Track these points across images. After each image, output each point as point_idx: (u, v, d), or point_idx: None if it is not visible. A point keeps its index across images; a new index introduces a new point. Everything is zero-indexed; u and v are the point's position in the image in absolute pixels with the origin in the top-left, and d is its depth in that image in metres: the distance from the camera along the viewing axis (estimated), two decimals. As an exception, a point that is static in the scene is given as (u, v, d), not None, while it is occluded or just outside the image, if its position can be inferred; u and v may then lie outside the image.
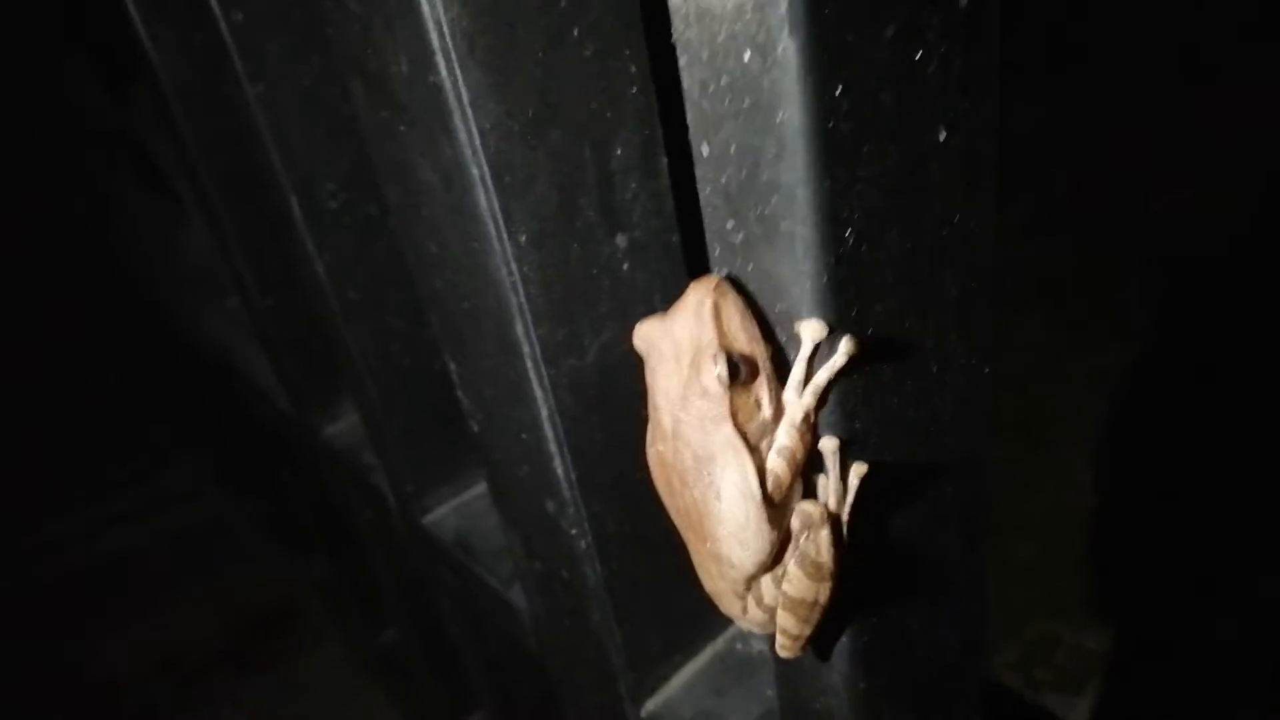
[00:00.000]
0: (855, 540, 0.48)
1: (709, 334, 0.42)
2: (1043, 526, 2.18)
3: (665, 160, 0.64)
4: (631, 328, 0.64)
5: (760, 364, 0.42)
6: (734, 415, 0.42)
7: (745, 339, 0.42)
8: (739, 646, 0.88)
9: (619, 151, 0.61)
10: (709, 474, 0.44)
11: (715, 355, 0.41)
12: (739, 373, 0.41)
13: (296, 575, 2.35)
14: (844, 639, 0.52)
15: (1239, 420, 2.22)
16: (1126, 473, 2.24)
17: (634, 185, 0.63)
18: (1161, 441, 2.25)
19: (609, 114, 0.60)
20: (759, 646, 0.88)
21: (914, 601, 0.55)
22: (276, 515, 2.30)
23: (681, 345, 0.43)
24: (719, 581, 0.48)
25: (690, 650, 0.87)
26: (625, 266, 0.65)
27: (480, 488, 1.13)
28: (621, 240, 0.64)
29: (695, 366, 0.42)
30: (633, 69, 0.60)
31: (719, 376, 0.41)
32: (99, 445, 3.03)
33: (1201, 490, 2.13)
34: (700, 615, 0.86)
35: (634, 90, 0.60)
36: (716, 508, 0.44)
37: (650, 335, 0.44)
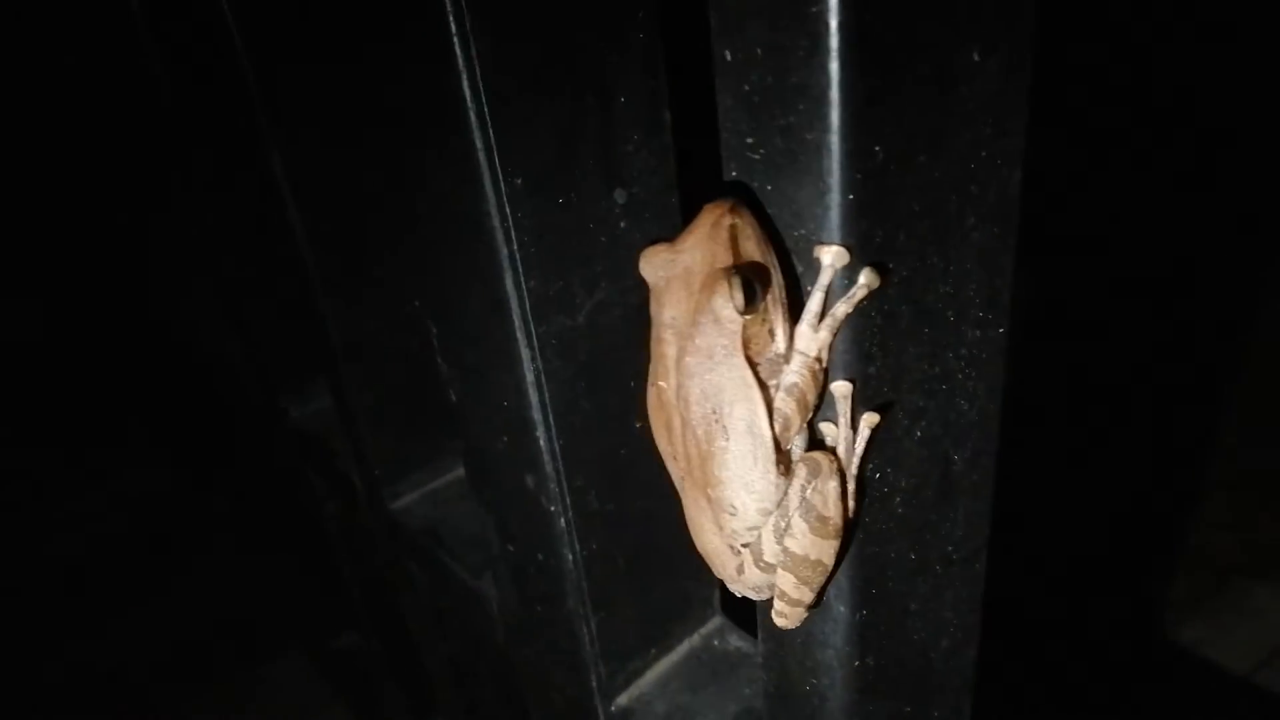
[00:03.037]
0: (861, 498, 0.45)
1: (725, 256, 0.39)
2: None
3: (669, 116, 0.62)
4: (626, 289, 0.62)
5: (776, 293, 0.39)
6: (745, 346, 0.39)
7: (762, 264, 0.39)
8: (716, 643, 0.85)
9: (623, 100, 0.59)
10: (715, 410, 0.41)
11: (732, 278, 0.38)
12: (755, 298, 0.38)
13: (261, 576, 2.27)
14: (841, 610, 0.49)
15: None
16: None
17: (636, 139, 0.61)
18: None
19: (614, 59, 0.57)
20: (737, 644, 0.84)
21: (915, 577, 0.52)
22: (241, 512, 2.23)
23: (694, 270, 0.40)
24: (715, 537, 0.45)
25: (666, 645, 0.83)
26: (622, 224, 0.63)
27: (453, 475, 1.08)
28: (620, 196, 0.62)
29: (708, 290, 0.39)
30: (640, 14, 0.58)
31: (734, 302, 0.38)
32: (60, 442, 2.93)
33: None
34: (679, 608, 0.83)
35: (641, 37, 0.58)
36: (721, 447, 0.41)
37: (659, 261, 0.41)
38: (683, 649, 0.84)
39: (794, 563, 0.43)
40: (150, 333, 2.13)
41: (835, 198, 0.37)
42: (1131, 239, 2.68)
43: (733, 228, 0.39)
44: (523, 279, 0.59)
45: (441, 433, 1.04)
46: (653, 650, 0.82)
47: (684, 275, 0.40)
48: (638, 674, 0.82)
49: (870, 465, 0.45)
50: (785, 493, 0.42)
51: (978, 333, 0.47)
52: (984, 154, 0.42)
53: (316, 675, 2.12)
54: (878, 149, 0.37)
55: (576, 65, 0.56)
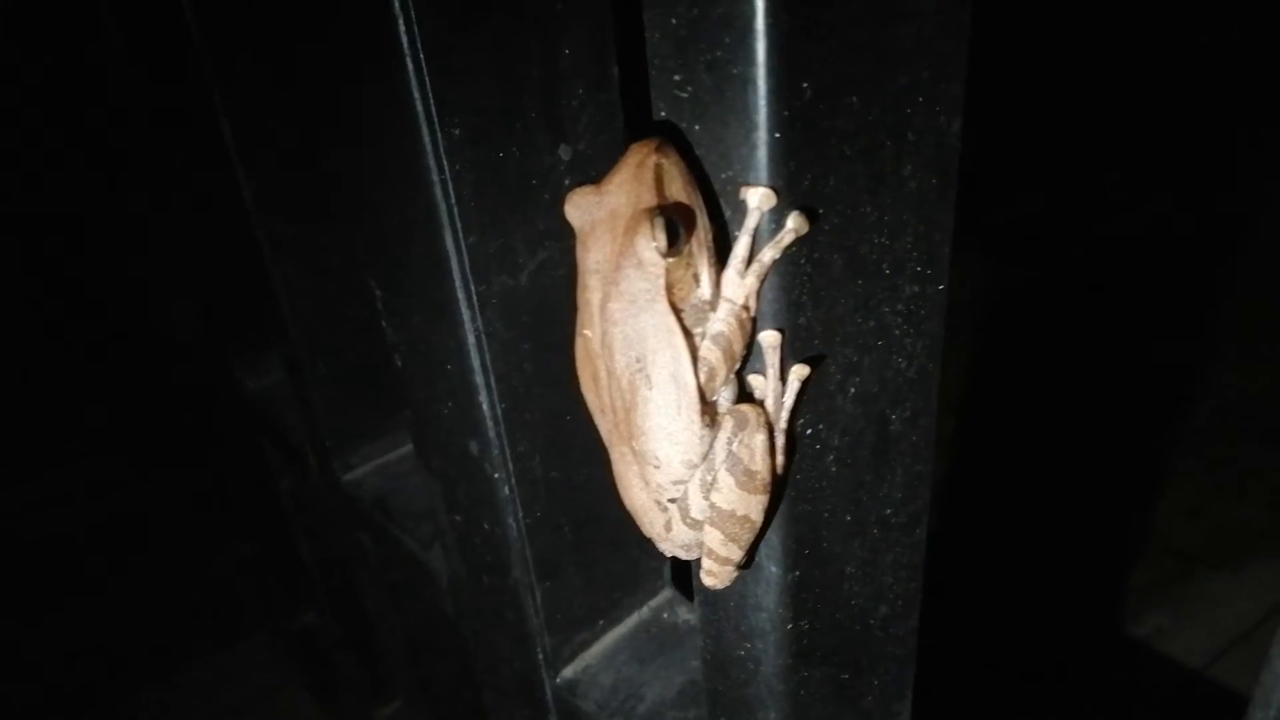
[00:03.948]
0: (791, 453, 0.44)
1: (650, 197, 0.38)
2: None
3: (617, 70, 0.61)
4: (571, 248, 0.60)
5: (701, 236, 0.38)
6: (669, 291, 0.38)
7: (687, 206, 0.38)
8: (665, 615, 0.84)
9: (568, 51, 0.57)
10: (639, 358, 0.39)
11: (655, 219, 0.37)
12: (678, 240, 0.37)
13: (223, 555, 2.24)
14: (774, 570, 0.48)
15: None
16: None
17: (582, 92, 0.59)
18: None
19: (559, 7, 0.56)
20: (686, 616, 0.83)
21: (851, 539, 0.51)
22: (204, 493, 2.19)
23: (618, 211, 0.39)
24: (641, 492, 0.44)
25: (614, 616, 0.82)
26: (568, 182, 0.61)
27: (406, 448, 1.07)
28: (565, 152, 0.60)
29: (631, 232, 0.38)
30: (587, -37, 0.56)
31: (657, 244, 0.37)
32: (30, 425, 2.86)
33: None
34: (627, 580, 0.82)
35: (587, -14, 0.57)
36: (645, 396, 0.40)
37: (584, 203, 0.40)
38: (631, 621, 0.83)
39: (721, 518, 0.42)
40: (102, 310, 2.09)
41: (762, 136, 0.36)
42: (1098, 229, 2.70)
43: (658, 167, 0.38)
44: (461, 235, 0.58)
45: (395, 404, 1.03)
46: (600, 622, 0.81)
47: (609, 218, 0.39)
48: (585, 646, 0.81)
49: (801, 420, 0.44)
50: (711, 445, 0.41)
51: (915, 288, 0.46)
52: (921, 99, 0.40)
53: (281, 655, 2.09)
54: (806, 86, 0.36)
55: (520, 13, 0.55)
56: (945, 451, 2.30)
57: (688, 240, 0.37)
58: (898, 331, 0.46)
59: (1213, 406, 2.39)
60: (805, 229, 0.38)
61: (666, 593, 0.85)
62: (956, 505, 2.13)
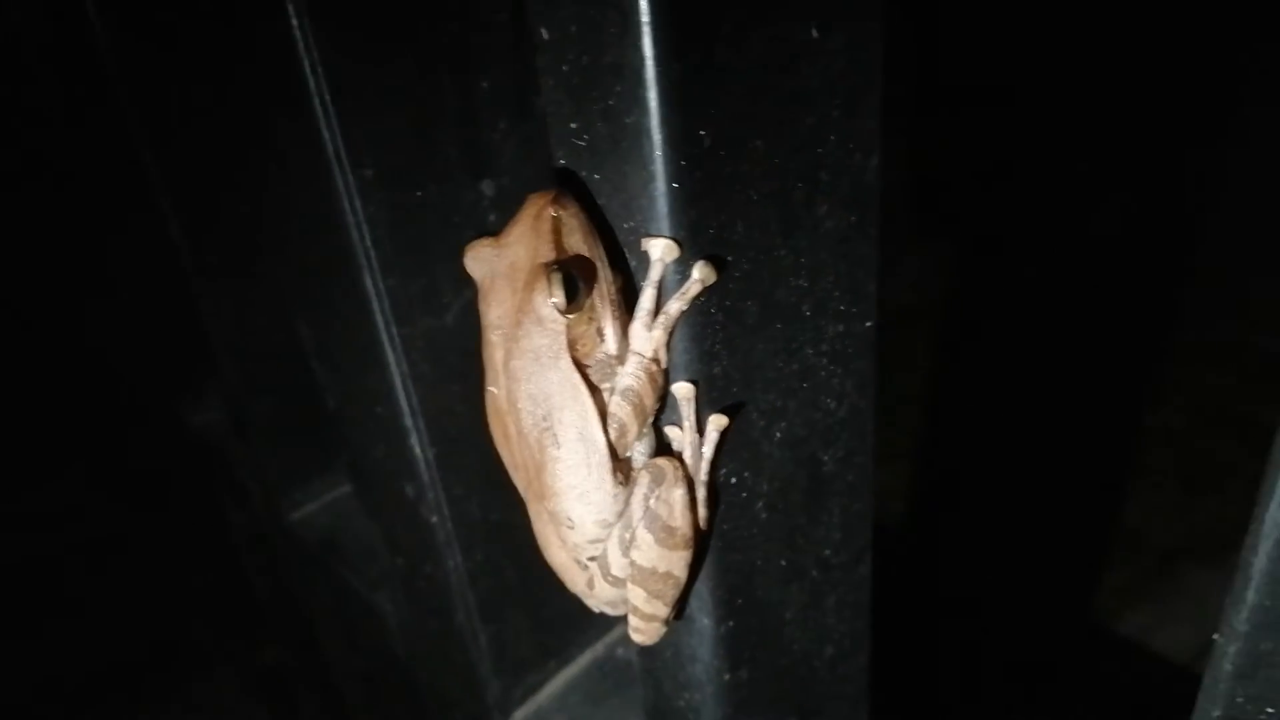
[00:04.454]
0: (714, 504, 0.42)
1: (547, 251, 0.36)
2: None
3: (541, 101, 0.59)
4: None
5: (604, 289, 0.36)
6: (572, 347, 0.36)
7: (588, 259, 0.36)
8: (620, 652, 0.82)
9: (485, 85, 0.56)
10: (545, 416, 0.38)
11: (552, 274, 0.35)
12: (578, 295, 0.35)
13: (186, 594, 2.19)
14: (705, 622, 0.46)
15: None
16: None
17: (503, 125, 0.57)
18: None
19: (472, 40, 0.54)
20: (641, 652, 0.81)
21: (789, 584, 0.50)
22: (154, 525, 2.14)
23: (517, 264, 0.37)
24: (560, 551, 0.42)
25: (565, 656, 0.80)
26: (492, 217, 0.59)
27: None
28: (488, 187, 0.58)
29: (529, 288, 0.36)
30: (501, -6, 0.55)
31: (555, 300, 0.35)
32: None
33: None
34: (577, 619, 0.80)
35: (504, 17, 0.55)
36: (554, 455, 0.38)
37: (483, 255, 0.38)
38: (584, 660, 0.81)
39: (643, 576, 0.40)
40: (52, 343, 2.04)
41: (660, 187, 0.34)
42: (1074, 226, 2.71)
43: (555, 220, 0.36)
44: (380, 277, 0.56)
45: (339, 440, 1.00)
46: (551, 662, 0.79)
47: (509, 271, 0.37)
48: (536, 688, 0.78)
49: (725, 470, 0.42)
50: (628, 502, 0.39)
51: (840, 327, 0.44)
52: (833, 138, 0.39)
53: (244, 692, 2.04)
54: (704, 133, 0.34)
55: (431, 47, 0.53)
56: (926, 453, 2.30)
57: (588, 295, 0.36)
58: (824, 373, 0.45)
59: (1192, 403, 2.40)
60: (712, 279, 0.36)
61: (621, 628, 0.83)
62: (938, 506, 2.13)
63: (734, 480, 0.43)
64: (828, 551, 0.51)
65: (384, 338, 0.59)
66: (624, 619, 0.44)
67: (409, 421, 0.63)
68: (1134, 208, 2.67)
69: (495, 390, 0.39)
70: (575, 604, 0.78)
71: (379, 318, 0.58)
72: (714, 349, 0.39)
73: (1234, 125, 2.69)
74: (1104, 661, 1.93)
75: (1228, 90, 2.66)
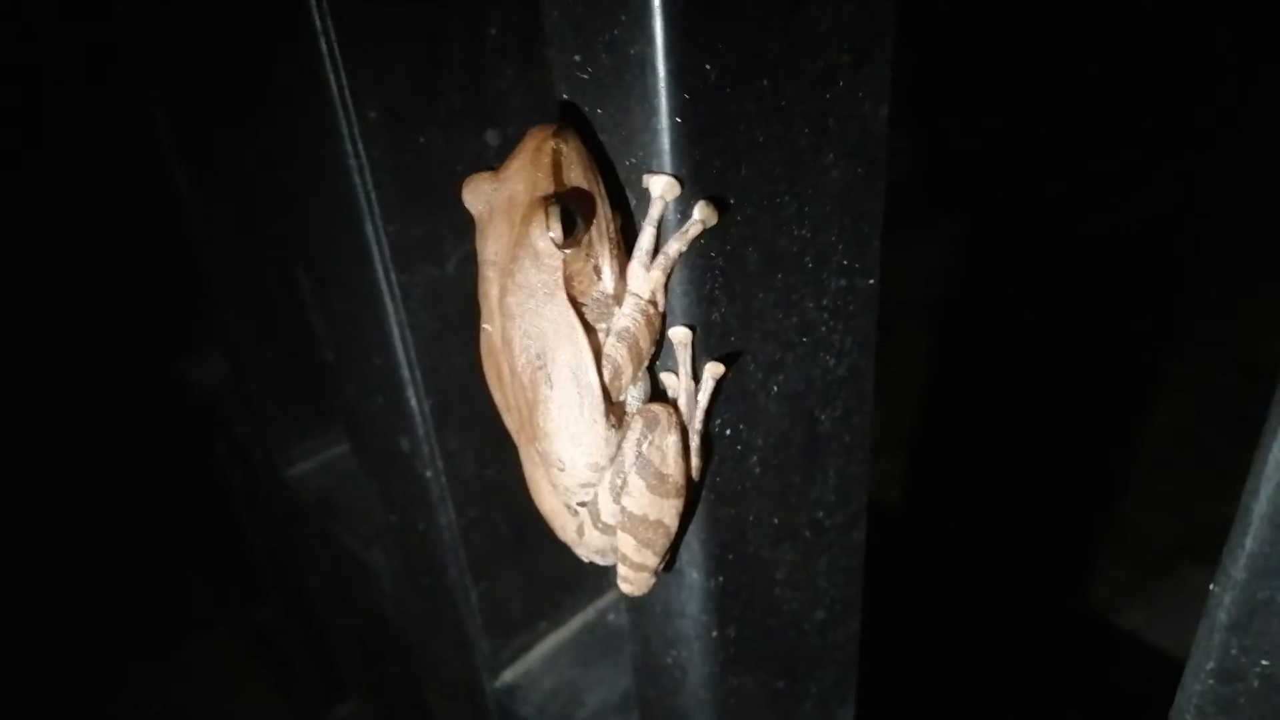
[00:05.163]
0: (707, 455, 0.42)
1: (546, 184, 0.35)
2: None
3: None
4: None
5: (602, 226, 0.36)
6: (568, 283, 0.36)
7: (588, 193, 0.36)
8: (611, 616, 0.82)
9: (493, 32, 0.55)
10: (539, 355, 0.37)
11: (550, 208, 0.34)
12: (575, 229, 0.35)
13: (181, 549, 2.20)
14: (694, 576, 0.46)
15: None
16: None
17: (510, 74, 0.57)
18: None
19: (482, -16, 0.53)
20: (632, 617, 0.81)
21: (781, 543, 0.49)
22: (155, 483, 2.15)
23: (516, 199, 0.36)
24: (550, 496, 0.42)
25: (557, 618, 0.80)
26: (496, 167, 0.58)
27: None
28: (493, 137, 0.58)
29: (526, 221, 0.35)
30: (512, -61, 0.54)
31: (552, 234, 0.35)
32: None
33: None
34: (570, 580, 0.80)
35: (513, -36, 0.54)
36: (546, 395, 0.37)
37: (482, 189, 0.38)
38: (574, 623, 0.81)
39: (633, 523, 0.40)
40: (51, 303, 2.04)
41: (663, 121, 0.34)
42: (1079, 222, 2.70)
43: (556, 153, 0.35)
44: (381, 223, 0.55)
45: (336, 393, 1.00)
46: (542, 624, 0.79)
47: (506, 206, 0.37)
48: (526, 648, 0.78)
49: (719, 421, 0.42)
50: (620, 447, 0.39)
51: (842, 282, 0.44)
52: (842, 84, 0.38)
53: (239, 653, 2.05)
54: (709, 68, 0.33)
55: (438, -9, 0.52)
56: (926, 447, 2.29)
57: (586, 230, 0.35)
58: (824, 328, 0.44)
59: (1193, 401, 2.39)
60: (714, 220, 0.36)
61: (613, 593, 0.83)
62: (936, 500, 2.12)
63: (728, 432, 0.43)
64: (821, 513, 0.51)
65: (383, 286, 0.59)
66: (616, 581, 0.44)
67: (405, 372, 0.62)
68: (1141, 206, 2.65)
69: (489, 328, 0.39)
70: (568, 566, 0.78)
71: (378, 265, 0.58)
72: (713, 294, 0.38)
73: (1242, 124, 2.67)
74: (1101, 658, 1.93)
75: (1235, 89, 2.63)
